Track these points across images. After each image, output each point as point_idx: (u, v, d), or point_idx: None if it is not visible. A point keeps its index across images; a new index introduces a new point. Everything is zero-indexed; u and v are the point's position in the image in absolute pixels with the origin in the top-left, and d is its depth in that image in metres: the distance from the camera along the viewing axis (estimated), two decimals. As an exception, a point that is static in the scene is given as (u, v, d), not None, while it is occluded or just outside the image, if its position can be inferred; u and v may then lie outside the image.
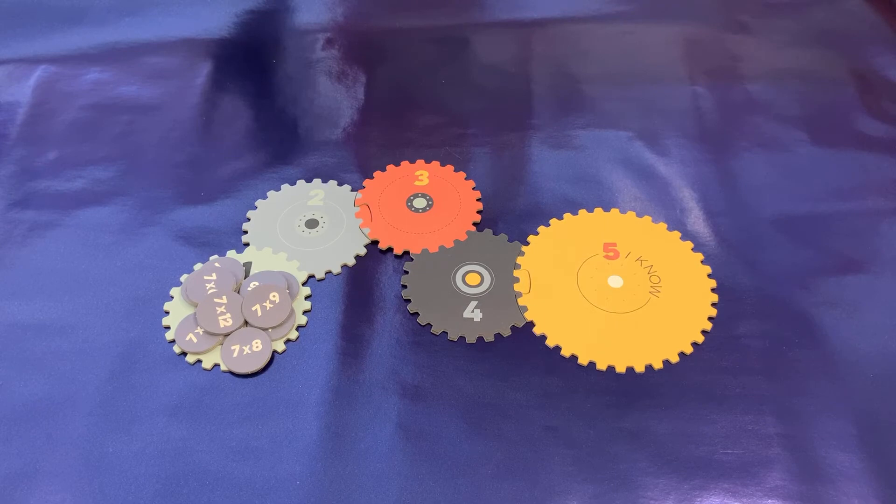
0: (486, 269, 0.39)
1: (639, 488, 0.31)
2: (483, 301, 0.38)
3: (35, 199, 0.42)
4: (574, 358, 0.35)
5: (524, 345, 0.36)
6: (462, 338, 0.36)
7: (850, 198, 0.42)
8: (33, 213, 0.42)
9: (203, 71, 0.50)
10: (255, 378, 0.35)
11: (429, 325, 0.37)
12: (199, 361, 0.35)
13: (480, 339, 0.36)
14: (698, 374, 0.35)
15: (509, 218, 0.41)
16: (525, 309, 0.37)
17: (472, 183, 0.43)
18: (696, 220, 0.41)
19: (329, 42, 0.53)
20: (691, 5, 0.56)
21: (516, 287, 0.38)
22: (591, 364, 0.35)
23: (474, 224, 0.41)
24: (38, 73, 0.50)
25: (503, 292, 0.38)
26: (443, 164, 0.44)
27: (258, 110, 0.48)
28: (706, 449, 0.32)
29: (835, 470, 0.32)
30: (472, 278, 0.39)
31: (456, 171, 0.44)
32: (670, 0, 0.56)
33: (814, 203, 0.42)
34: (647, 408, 0.34)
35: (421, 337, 0.36)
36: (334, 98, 0.49)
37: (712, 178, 0.43)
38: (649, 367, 0.35)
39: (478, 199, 0.42)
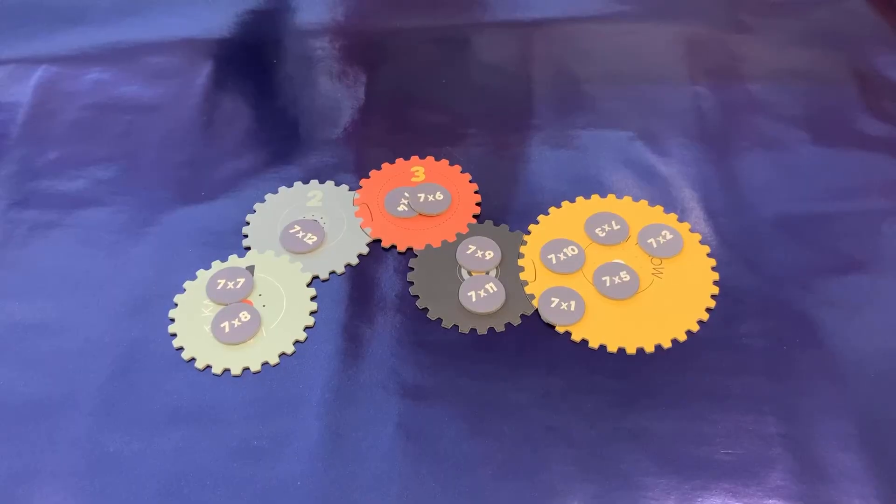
0: None
1: (639, 488, 0.31)
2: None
3: (36, 198, 0.42)
4: (579, 350, 0.35)
5: (533, 334, 0.36)
6: (464, 336, 0.36)
7: (852, 198, 0.42)
8: (34, 212, 0.42)
9: (203, 71, 0.50)
10: (256, 378, 0.35)
11: (439, 319, 0.37)
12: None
13: (491, 329, 0.36)
14: (699, 373, 0.35)
15: (509, 218, 0.41)
16: (532, 297, 0.37)
17: (468, 175, 0.43)
18: (697, 220, 0.41)
19: (329, 42, 0.53)
20: (691, 5, 0.56)
21: (521, 276, 0.38)
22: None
23: (474, 216, 0.41)
24: (39, 72, 0.50)
25: (509, 281, 0.38)
26: (437, 159, 0.44)
27: (259, 110, 0.48)
28: (707, 449, 0.32)
29: (836, 470, 0.31)
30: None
31: (451, 165, 0.44)
32: (670, 0, 0.56)
33: (815, 203, 0.42)
34: (648, 408, 0.34)
35: (422, 337, 0.36)
36: (334, 98, 0.49)
37: (713, 178, 0.43)
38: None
39: (475, 192, 0.42)
